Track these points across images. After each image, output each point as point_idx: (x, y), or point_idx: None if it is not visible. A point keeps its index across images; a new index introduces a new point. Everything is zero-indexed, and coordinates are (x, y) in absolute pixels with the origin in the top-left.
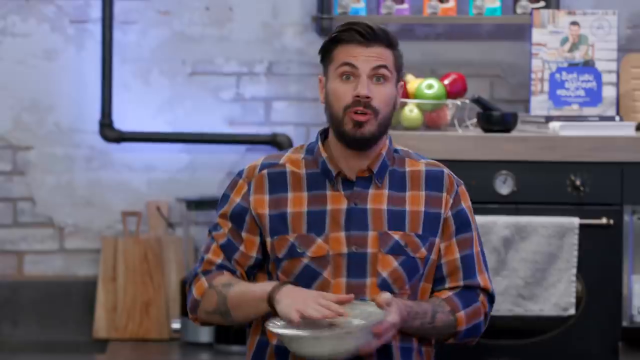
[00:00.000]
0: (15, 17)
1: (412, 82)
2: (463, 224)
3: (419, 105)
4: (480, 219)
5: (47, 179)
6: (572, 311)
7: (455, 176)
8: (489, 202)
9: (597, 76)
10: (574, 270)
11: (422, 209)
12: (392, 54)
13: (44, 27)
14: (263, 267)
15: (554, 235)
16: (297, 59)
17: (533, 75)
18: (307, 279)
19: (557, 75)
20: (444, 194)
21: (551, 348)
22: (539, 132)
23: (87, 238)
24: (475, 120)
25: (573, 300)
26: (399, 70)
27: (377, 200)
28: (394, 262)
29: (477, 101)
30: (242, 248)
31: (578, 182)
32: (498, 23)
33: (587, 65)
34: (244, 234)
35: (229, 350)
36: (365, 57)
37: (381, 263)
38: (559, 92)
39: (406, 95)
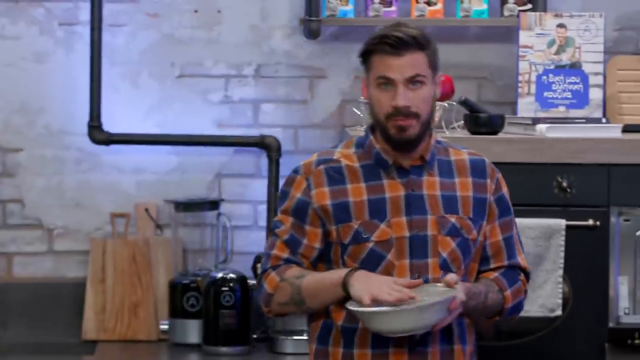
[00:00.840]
0: (5, 19)
1: None
2: (504, 208)
3: None
4: None
5: (37, 180)
6: (558, 312)
7: (493, 165)
8: None
9: (584, 78)
10: (561, 272)
11: (471, 194)
12: (425, 56)
13: (33, 29)
14: (323, 257)
15: (540, 236)
16: (286, 62)
17: (520, 78)
18: (372, 262)
19: (544, 78)
20: (488, 180)
21: (538, 349)
22: (526, 134)
23: (76, 240)
24: (462, 122)
25: (560, 301)
26: (435, 67)
27: (431, 186)
28: (452, 244)
29: (464, 103)
30: (305, 241)
31: (565, 184)
32: (485, 25)
33: (574, 68)
34: (307, 227)
35: (217, 352)
36: (399, 68)
37: (441, 244)
38: (546, 94)
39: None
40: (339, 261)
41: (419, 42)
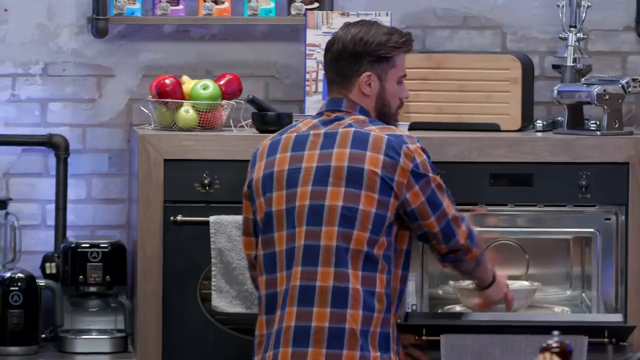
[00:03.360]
0: None
1: (188, 83)
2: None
3: (194, 106)
4: None
5: None
6: None
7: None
8: None
9: None
10: None
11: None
12: None
13: None
14: None
15: None
16: (73, 60)
17: (307, 76)
18: None
19: None
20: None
21: None
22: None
23: None
24: (250, 120)
25: None
26: None
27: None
28: None
29: (252, 102)
30: None
31: None
32: (272, 24)
33: None
34: None
35: (5, 352)
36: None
37: None
38: None
39: (182, 96)
40: None
41: None
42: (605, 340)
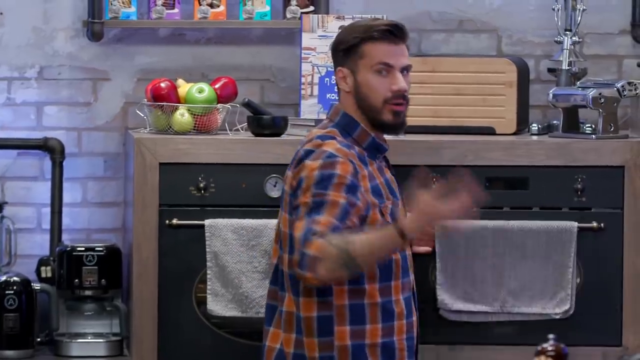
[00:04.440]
0: None
1: (183, 87)
2: None
3: (189, 110)
4: (251, 222)
5: None
6: None
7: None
8: (259, 206)
9: None
10: None
11: None
12: (406, 48)
13: None
14: None
15: None
16: (69, 64)
17: (303, 80)
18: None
19: (327, 79)
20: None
21: None
22: None
23: None
24: (246, 124)
25: None
26: None
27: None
28: None
29: (248, 105)
30: (353, 217)
31: None
32: (268, 27)
33: None
34: (358, 203)
35: (1, 355)
36: (397, 56)
37: None
38: (329, 95)
39: (177, 99)
40: None
41: (407, 34)
42: None
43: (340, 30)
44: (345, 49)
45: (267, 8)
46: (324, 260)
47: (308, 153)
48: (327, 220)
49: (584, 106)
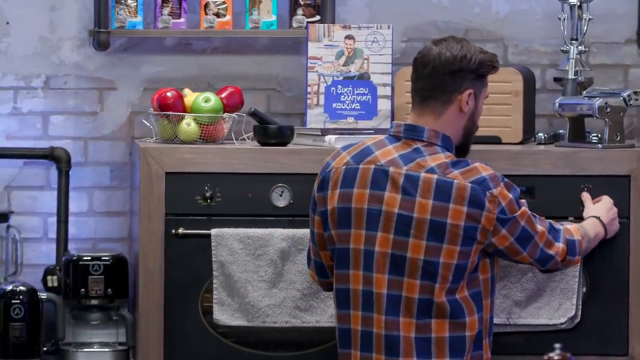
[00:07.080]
0: None
1: (190, 96)
2: None
3: (196, 119)
4: (257, 232)
5: None
6: None
7: None
8: (265, 215)
9: (372, 89)
10: None
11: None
12: None
13: None
14: None
15: None
16: (75, 73)
17: (309, 89)
18: None
19: (333, 89)
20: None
21: (330, 359)
22: (315, 145)
23: None
24: (252, 133)
25: None
26: None
27: None
28: None
29: (254, 114)
30: None
31: None
32: (274, 37)
33: (362, 79)
34: None
35: None
36: None
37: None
38: (335, 105)
39: (183, 108)
40: None
41: None
42: None
43: (470, 48)
44: (481, 75)
45: (274, 17)
46: (583, 241)
47: (483, 184)
48: (544, 226)
49: (590, 115)
